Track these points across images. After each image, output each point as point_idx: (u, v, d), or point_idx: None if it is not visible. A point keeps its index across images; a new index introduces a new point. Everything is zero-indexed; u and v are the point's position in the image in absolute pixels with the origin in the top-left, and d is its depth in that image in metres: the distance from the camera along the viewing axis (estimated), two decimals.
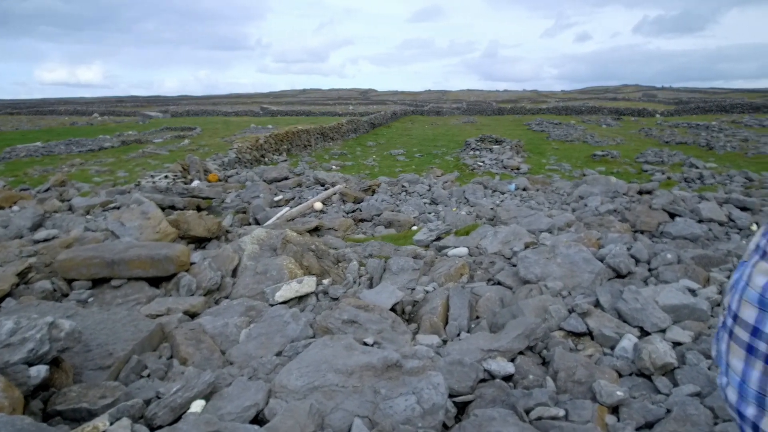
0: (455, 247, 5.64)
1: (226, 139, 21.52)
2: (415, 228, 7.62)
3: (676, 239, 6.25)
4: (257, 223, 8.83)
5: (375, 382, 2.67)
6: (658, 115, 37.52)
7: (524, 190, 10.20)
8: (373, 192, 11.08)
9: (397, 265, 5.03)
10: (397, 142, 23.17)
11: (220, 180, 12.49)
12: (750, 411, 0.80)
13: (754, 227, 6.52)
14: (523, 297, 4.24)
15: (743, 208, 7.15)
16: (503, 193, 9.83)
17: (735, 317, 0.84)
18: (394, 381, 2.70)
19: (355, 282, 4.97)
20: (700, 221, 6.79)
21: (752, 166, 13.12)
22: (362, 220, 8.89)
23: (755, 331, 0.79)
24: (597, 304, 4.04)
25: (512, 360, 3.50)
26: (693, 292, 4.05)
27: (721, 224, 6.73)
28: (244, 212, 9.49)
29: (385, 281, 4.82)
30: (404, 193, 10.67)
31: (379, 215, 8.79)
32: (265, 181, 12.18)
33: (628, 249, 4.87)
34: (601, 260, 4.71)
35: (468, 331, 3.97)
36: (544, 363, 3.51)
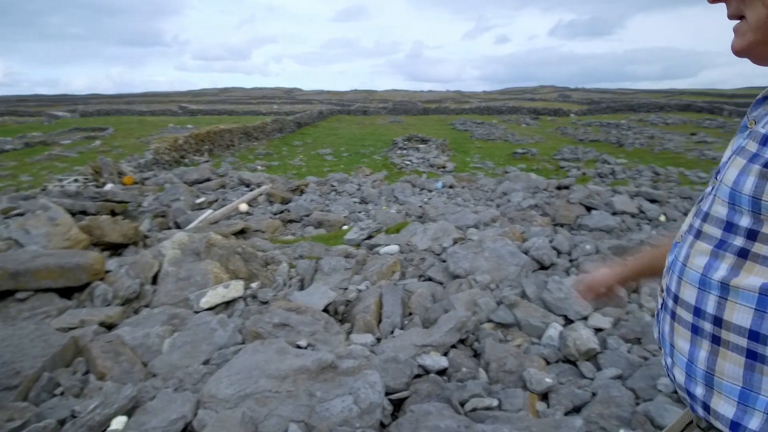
0: (386, 245, 5.64)
1: (143, 139, 20.43)
2: (345, 227, 7.57)
3: (593, 231, 6.60)
4: (178, 227, 8.43)
5: (310, 385, 2.60)
6: (572, 115, 39.70)
7: (451, 187, 10.42)
8: (302, 192, 10.91)
9: (329, 265, 4.96)
10: (324, 141, 23.00)
11: (136, 183, 11.81)
12: (699, 390, 0.81)
13: (662, 218, 7.03)
14: (454, 291, 4.31)
15: (652, 201, 7.69)
16: (431, 191, 9.99)
17: (676, 298, 0.85)
18: (330, 382, 2.64)
19: (285, 284, 4.85)
20: (614, 213, 7.22)
21: (658, 161, 14.20)
22: (291, 221, 8.72)
23: (698, 312, 0.80)
24: (523, 295, 4.18)
25: (445, 354, 3.53)
26: None
27: (632, 216, 7.20)
28: (164, 216, 9.03)
29: (316, 282, 4.73)
30: (333, 193, 10.58)
31: (308, 215, 8.66)
32: (185, 183, 11.66)
33: (551, 241, 5.08)
34: (526, 253, 4.88)
35: (401, 328, 3.97)
36: (476, 355, 3.58)
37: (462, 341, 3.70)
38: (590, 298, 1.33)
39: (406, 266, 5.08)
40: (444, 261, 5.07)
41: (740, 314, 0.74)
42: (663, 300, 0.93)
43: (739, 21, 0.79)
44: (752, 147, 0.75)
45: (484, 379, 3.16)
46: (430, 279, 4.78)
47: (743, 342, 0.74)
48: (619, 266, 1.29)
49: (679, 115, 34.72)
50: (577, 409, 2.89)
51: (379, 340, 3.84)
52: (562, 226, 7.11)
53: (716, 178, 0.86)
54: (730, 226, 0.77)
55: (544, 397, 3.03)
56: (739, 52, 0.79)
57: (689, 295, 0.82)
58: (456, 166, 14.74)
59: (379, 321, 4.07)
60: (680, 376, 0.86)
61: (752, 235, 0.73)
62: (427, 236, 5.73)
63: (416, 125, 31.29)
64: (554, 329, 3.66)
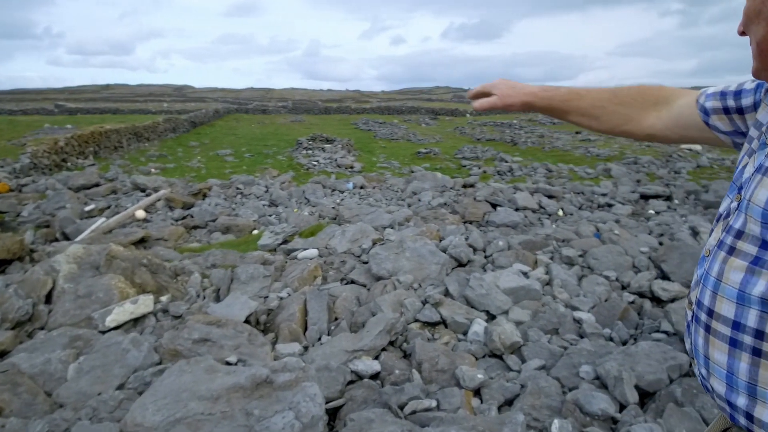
0: (304, 249, 5.51)
1: (15, 141, 18.33)
2: (256, 232, 7.30)
3: (500, 227, 6.93)
4: (66, 238, 7.66)
5: (246, 404, 2.45)
6: (468, 115, 41.54)
7: (362, 188, 10.45)
8: (204, 196, 10.37)
9: (246, 273, 4.75)
10: (222, 141, 22.07)
11: (12, 190, 10.56)
12: (741, 401, 0.84)
13: (560, 212, 7.54)
14: (379, 293, 4.29)
15: (550, 196, 8.23)
16: (342, 192, 9.95)
17: (710, 312, 0.88)
18: (267, 399, 2.50)
19: (199, 296, 4.57)
20: (517, 209, 7.63)
21: (549, 159, 15.25)
22: (195, 227, 8.25)
23: (737, 325, 0.82)
24: (447, 293, 4.27)
25: (377, 357, 3.51)
26: (525, 274, 4.50)
27: (534, 211, 7.65)
28: (48, 226, 8.16)
29: (234, 292, 4.50)
30: (240, 196, 10.17)
31: (214, 221, 8.24)
32: (71, 188, 10.63)
33: (466, 239, 5.24)
34: (444, 251, 4.99)
35: (329, 334, 3.90)
36: (406, 356, 3.59)
37: (392, 343, 3.69)
38: (485, 105, 1.26)
39: (327, 270, 5.00)
40: (366, 263, 5.05)
41: None
42: (693, 313, 0.94)
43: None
44: None
45: (418, 381, 3.17)
46: (353, 282, 4.74)
47: None
48: (533, 90, 1.25)
49: None
50: (509, 403, 2.99)
51: (306, 348, 3.74)
52: (471, 222, 7.38)
53: (740, 193, 0.89)
54: (766, 244, 0.79)
55: (477, 393, 3.10)
56: (753, 75, 0.89)
57: (727, 309, 0.84)
58: (364, 166, 14.81)
59: (305, 328, 3.97)
60: (720, 386, 0.88)
61: None
62: (345, 238, 5.68)
63: (319, 125, 31.06)
64: (479, 325, 3.77)
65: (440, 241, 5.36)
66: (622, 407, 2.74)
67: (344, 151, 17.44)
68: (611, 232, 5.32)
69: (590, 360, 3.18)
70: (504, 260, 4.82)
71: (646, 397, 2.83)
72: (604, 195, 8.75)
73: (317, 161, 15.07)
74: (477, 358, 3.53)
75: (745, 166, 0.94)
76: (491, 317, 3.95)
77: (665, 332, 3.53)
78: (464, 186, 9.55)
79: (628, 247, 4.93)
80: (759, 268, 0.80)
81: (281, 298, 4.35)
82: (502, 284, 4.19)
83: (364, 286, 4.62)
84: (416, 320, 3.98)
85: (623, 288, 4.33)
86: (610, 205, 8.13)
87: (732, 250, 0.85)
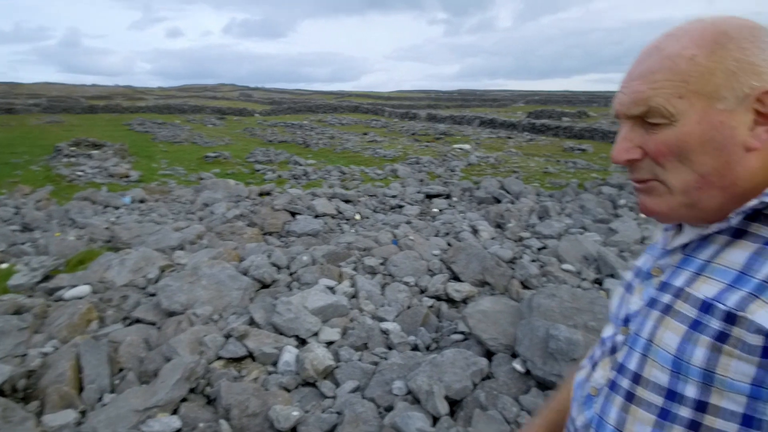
0: (73, 286, 4.62)
1: None
2: (4, 266, 5.93)
3: (302, 236, 6.80)
4: None
5: None
6: (257, 115, 40.65)
7: (142, 201, 9.31)
8: None
9: None
10: None
11: None
12: None
13: (357, 216, 7.72)
14: (173, 333, 3.79)
15: (347, 201, 8.39)
16: (117, 208, 8.70)
17: (636, 378, 0.77)
18: None
19: None
20: (317, 216, 7.59)
21: (342, 160, 15.68)
22: None
23: (672, 395, 0.72)
24: (252, 322, 3.96)
25: (175, 412, 3.08)
26: (332, 289, 4.43)
27: (333, 217, 7.71)
28: None
29: None
30: None
31: None
32: None
33: (269, 257, 4.98)
34: (245, 274, 4.66)
35: (112, 392, 3.31)
36: (211, 402, 3.23)
37: (192, 390, 3.28)
38: None
39: (105, 310, 4.26)
40: (153, 295, 4.44)
41: None
42: (612, 378, 0.83)
43: (649, 182, 0.76)
44: (686, 310, 0.71)
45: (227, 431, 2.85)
46: (138, 321, 4.11)
47: None
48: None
49: (350, 116, 39.24)
50: None
51: (84, 413, 3.11)
52: (271, 234, 7.12)
53: (626, 326, 0.82)
54: (673, 395, 0.72)
55: (294, 431, 2.91)
56: (657, 213, 0.77)
57: (659, 377, 0.74)
58: (142, 174, 13.30)
59: (81, 389, 3.31)
60: None
61: (701, 406, 0.69)
62: (125, 268, 4.93)
63: (83, 126, 27.14)
64: (289, 353, 3.57)
65: (240, 262, 5.00)
66: (435, 420, 2.81)
67: (117, 158, 15.48)
68: (407, 238, 5.59)
69: (401, 374, 3.22)
70: (309, 276, 4.69)
71: (454, 405, 2.95)
72: (394, 197, 9.27)
73: (83, 171, 13.04)
74: (290, 390, 3.33)
75: (622, 296, 0.89)
76: (302, 342, 3.78)
77: (462, 332, 3.78)
78: (261, 194, 9.20)
79: (422, 251, 5.23)
80: (669, 423, 0.72)
81: (45, 355, 3.56)
82: (311, 304, 4.05)
83: (154, 324, 4.05)
84: (219, 357, 3.60)
85: (422, 292, 4.55)
86: (400, 207, 8.64)
87: (631, 397, 0.77)
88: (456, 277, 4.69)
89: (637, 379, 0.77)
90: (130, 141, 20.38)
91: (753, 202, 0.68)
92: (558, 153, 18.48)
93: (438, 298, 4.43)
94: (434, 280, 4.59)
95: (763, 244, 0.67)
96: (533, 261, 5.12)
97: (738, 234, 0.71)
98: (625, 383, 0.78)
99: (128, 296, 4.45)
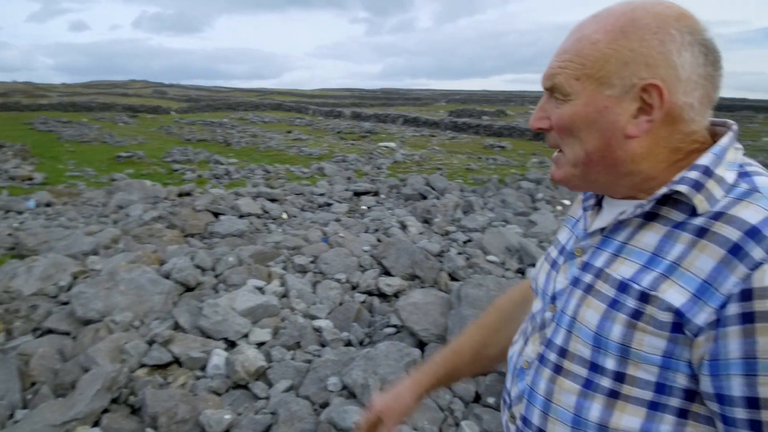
0: None
1: None
2: None
3: (226, 237, 6.60)
4: None
5: None
6: (173, 113, 38.84)
7: (48, 205, 8.62)
8: None
9: None
10: None
11: None
12: None
13: (284, 215, 7.59)
14: (90, 342, 3.56)
15: (272, 200, 8.22)
16: (21, 213, 8.00)
17: (563, 352, 0.82)
18: None
19: None
20: (241, 216, 7.39)
21: (265, 159, 15.32)
22: None
23: (594, 368, 0.77)
24: (177, 327, 3.80)
25: (96, 424, 2.91)
26: (261, 289, 4.34)
27: (258, 216, 7.53)
28: None
29: None
30: None
31: None
32: None
33: (192, 259, 4.79)
34: (167, 277, 4.46)
35: (25, 407, 3.08)
36: (136, 411, 3.07)
37: (115, 401, 3.10)
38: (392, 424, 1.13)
39: (12, 321, 3.93)
40: (66, 304, 4.15)
41: None
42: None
43: (557, 152, 0.83)
44: (605, 290, 0.76)
45: None
46: (51, 331, 3.83)
47: None
48: (413, 381, 1.15)
49: (273, 114, 38.46)
50: None
51: None
52: (193, 236, 6.84)
53: (554, 304, 0.86)
54: (595, 367, 0.77)
55: None
56: (558, 180, 0.84)
57: None
58: (47, 176, 12.32)
59: None
60: None
61: (620, 377, 0.74)
62: (33, 276, 4.56)
63: None
64: (218, 356, 3.46)
65: (161, 265, 4.77)
66: None
67: (18, 159, 14.25)
68: (337, 236, 5.57)
69: (336, 370, 3.22)
70: (237, 277, 4.56)
71: None
72: (322, 195, 9.21)
73: None
74: (221, 394, 3.23)
75: (548, 273, 0.93)
76: (231, 344, 3.67)
77: (394, 326, 3.83)
78: (180, 195, 8.81)
79: (353, 248, 5.24)
80: (592, 392, 0.77)
81: None
82: (239, 306, 3.94)
83: (68, 334, 3.79)
84: (143, 365, 3.43)
85: (354, 288, 4.56)
86: (329, 204, 8.59)
87: (559, 369, 0.82)
88: (387, 272, 4.74)
89: (563, 353, 0.82)
90: (33, 141, 18.84)
91: (663, 190, 0.73)
92: (479, 150, 19.14)
93: (370, 294, 4.45)
94: (365, 275, 4.61)
95: (672, 227, 0.73)
96: (460, 254, 5.27)
97: (650, 217, 0.76)
98: (552, 357, 0.84)
99: (38, 306, 4.13)
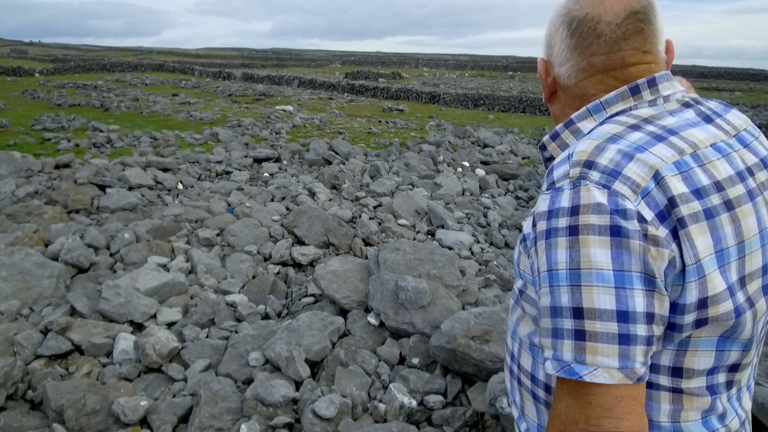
0: None
1: None
2: None
3: (117, 212, 6.09)
4: None
5: None
6: (38, 75, 34.62)
7: None
8: None
9: None
10: None
11: None
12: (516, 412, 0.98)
13: (180, 186, 7.13)
14: None
15: (165, 170, 7.66)
16: None
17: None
18: None
19: None
20: (131, 188, 6.84)
21: (151, 125, 14.16)
22: None
23: (517, 290, 0.93)
24: (74, 312, 3.49)
25: None
26: (165, 267, 4.09)
27: (150, 188, 7.00)
28: None
29: None
30: None
31: None
32: None
33: (82, 238, 4.38)
34: (56, 259, 4.06)
35: None
36: (37, 407, 2.81)
37: (11, 397, 2.81)
38: None
39: None
40: None
41: (526, 360, 0.88)
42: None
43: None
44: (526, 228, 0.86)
45: None
46: None
47: (528, 383, 0.88)
48: None
49: (155, 75, 35.58)
50: (184, 419, 2.70)
51: None
52: (78, 212, 6.24)
53: None
54: (517, 290, 0.94)
55: (145, 422, 2.67)
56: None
57: (509, 342, 0.98)
58: None
59: None
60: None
61: (521, 294, 0.91)
62: None
63: None
64: (125, 340, 3.24)
65: (47, 246, 4.32)
66: (298, 384, 2.81)
67: None
68: (243, 206, 5.35)
69: (256, 345, 3.14)
70: (136, 255, 4.25)
71: (315, 366, 2.99)
72: (219, 162, 8.74)
73: None
74: (132, 380, 3.04)
75: None
76: (138, 327, 3.45)
77: (313, 295, 3.79)
78: (57, 167, 7.93)
79: (261, 218, 5.07)
80: (516, 305, 0.95)
81: None
82: (143, 285, 3.70)
83: None
84: (39, 356, 3.13)
85: (266, 260, 4.44)
86: (228, 173, 8.18)
87: (515, 296, 0.98)
88: (300, 241, 4.66)
89: (521, 293, 0.97)
90: None
91: (543, 140, 0.92)
92: (378, 114, 19.18)
93: (284, 264, 4.37)
94: (278, 246, 4.50)
95: (547, 170, 0.84)
96: (371, 219, 5.32)
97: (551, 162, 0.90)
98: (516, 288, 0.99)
99: None
